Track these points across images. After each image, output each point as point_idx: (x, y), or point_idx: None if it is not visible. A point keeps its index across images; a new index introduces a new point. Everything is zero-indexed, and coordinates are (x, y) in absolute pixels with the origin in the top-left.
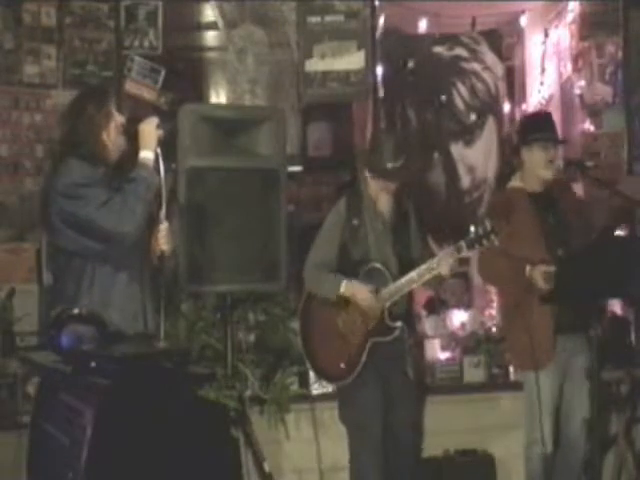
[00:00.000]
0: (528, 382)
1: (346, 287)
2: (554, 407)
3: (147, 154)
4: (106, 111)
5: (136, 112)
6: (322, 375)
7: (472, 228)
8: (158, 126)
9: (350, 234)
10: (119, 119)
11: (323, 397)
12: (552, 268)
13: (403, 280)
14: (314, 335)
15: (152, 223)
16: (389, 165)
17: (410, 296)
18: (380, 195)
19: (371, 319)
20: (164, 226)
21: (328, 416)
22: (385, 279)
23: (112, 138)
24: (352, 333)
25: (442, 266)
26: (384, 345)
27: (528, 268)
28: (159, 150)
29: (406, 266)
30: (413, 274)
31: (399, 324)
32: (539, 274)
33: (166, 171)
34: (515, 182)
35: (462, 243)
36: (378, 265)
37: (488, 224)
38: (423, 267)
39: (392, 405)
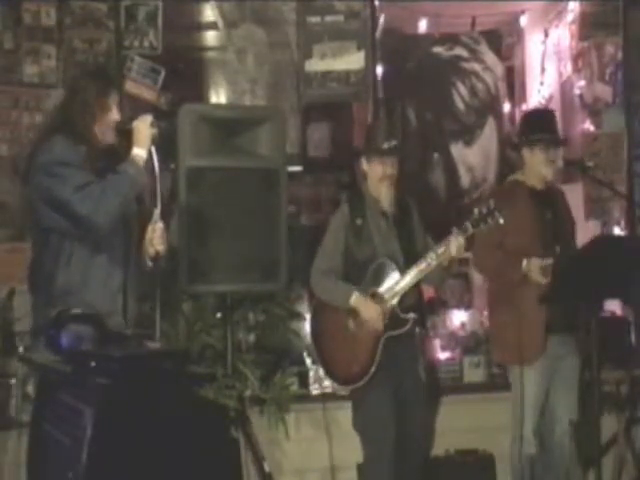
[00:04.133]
0: (513, 377)
1: (355, 300)
2: (539, 406)
3: (139, 151)
4: (104, 102)
5: (136, 112)
6: (336, 379)
7: (475, 209)
8: (152, 124)
9: (354, 234)
10: (115, 116)
11: (325, 397)
12: (549, 261)
13: (411, 271)
14: (326, 338)
15: (144, 219)
16: (384, 145)
17: (419, 289)
18: (382, 188)
19: (383, 316)
20: (159, 226)
21: (330, 416)
22: (394, 273)
23: (103, 131)
24: (364, 332)
25: (451, 248)
26: (397, 342)
27: (525, 262)
28: (153, 148)
29: (412, 260)
30: (421, 263)
31: (412, 315)
32: (536, 267)
33: (163, 170)
34: (517, 176)
35: (467, 223)
36: (386, 260)
37: (492, 202)
38: (430, 254)
39: (404, 407)
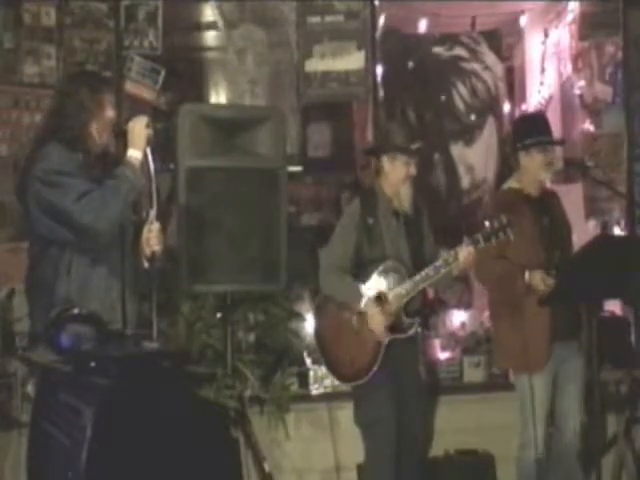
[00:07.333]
0: (520, 385)
1: (366, 306)
2: (547, 411)
3: (135, 153)
4: (99, 99)
5: (136, 112)
6: (338, 376)
7: (487, 222)
8: (148, 125)
9: (365, 233)
10: (111, 113)
11: (325, 397)
12: (551, 280)
13: (418, 277)
14: (329, 336)
15: (140, 222)
16: (412, 147)
17: (424, 294)
18: (401, 187)
19: (388, 317)
20: (155, 226)
21: (331, 416)
22: (401, 276)
23: (100, 130)
24: (368, 332)
25: (460, 258)
26: (399, 343)
27: (527, 274)
28: (149, 150)
29: (420, 263)
30: (429, 270)
31: (416, 320)
32: (539, 279)
33: (162, 171)
34: (512, 183)
35: (479, 236)
36: (394, 263)
37: (504, 218)
38: (438, 262)
39: (404, 406)
